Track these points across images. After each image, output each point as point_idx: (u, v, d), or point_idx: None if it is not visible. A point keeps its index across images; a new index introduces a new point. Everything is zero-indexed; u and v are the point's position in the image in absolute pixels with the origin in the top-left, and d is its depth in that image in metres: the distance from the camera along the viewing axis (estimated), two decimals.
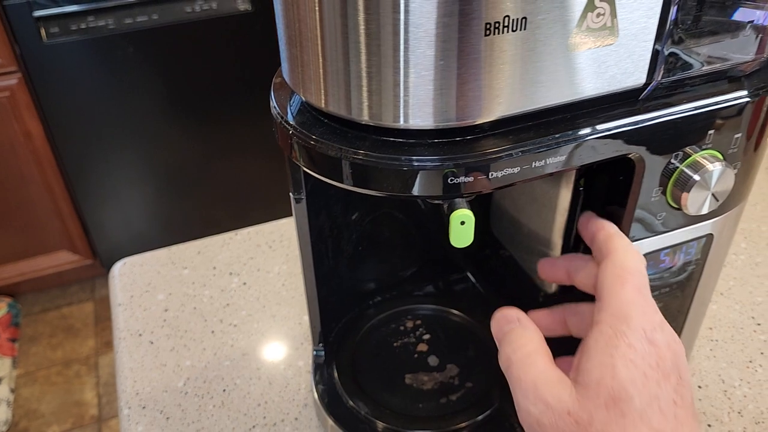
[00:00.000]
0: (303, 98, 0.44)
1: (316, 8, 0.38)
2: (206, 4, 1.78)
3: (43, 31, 1.69)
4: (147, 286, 0.80)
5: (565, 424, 0.36)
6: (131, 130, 1.90)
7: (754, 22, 0.45)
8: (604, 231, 0.46)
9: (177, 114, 1.92)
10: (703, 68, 0.45)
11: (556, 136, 0.42)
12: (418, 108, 0.39)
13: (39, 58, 1.71)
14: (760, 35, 0.46)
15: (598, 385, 0.37)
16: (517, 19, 0.36)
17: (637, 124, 0.43)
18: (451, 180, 0.41)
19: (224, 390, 0.68)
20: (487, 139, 0.41)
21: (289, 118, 0.45)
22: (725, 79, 0.47)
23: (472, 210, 0.43)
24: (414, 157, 0.40)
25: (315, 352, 0.66)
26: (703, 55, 0.45)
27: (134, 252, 0.86)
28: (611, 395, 0.36)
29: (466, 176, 0.41)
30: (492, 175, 0.41)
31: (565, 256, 0.50)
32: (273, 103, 0.47)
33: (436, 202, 0.43)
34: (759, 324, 0.73)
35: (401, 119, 0.39)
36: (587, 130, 0.42)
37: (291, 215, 0.56)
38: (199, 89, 1.91)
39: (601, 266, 0.43)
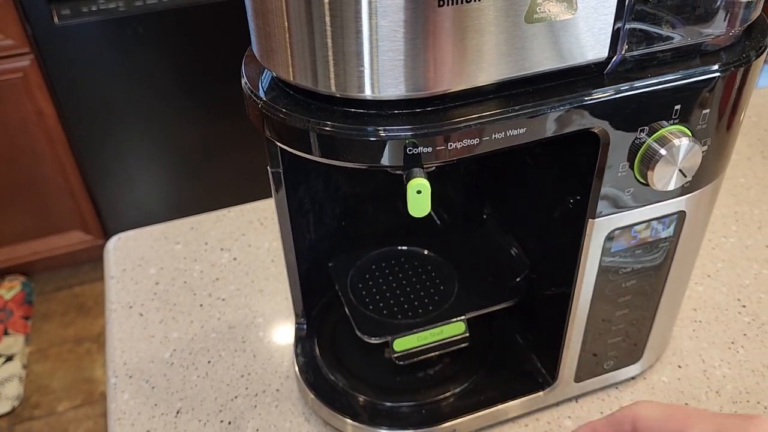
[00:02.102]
0: (270, 71, 0.45)
1: None
2: None
3: (54, 13, 1.71)
4: (140, 260, 0.81)
5: None
6: (142, 111, 1.92)
7: None
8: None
9: (187, 95, 1.93)
10: (672, 42, 0.45)
11: (516, 108, 0.42)
12: (379, 79, 0.39)
13: (51, 39, 1.73)
14: (730, 9, 0.46)
15: None
16: None
17: (599, 98, 0.43)
18: (410, 150, 0.41)
19: (209, 361, 0.69)
20: (448, 110, 0.42)
21: (260, 92, 0.45)
22: (697, 53, 0.47)
23: (435, 179, 0.43)
24: (373, 128, 0.41)
25: (297, 326, 0.67)
26: (669, 28, 0.45)
27: None
28: None
29: (425, 147, 0.41)
30: (451, 145, 0.42)
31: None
32: (244, 78, 0.47)
33: (398, 172, 0.44)
34: (744, 306, 0.73)
35: (364, 90, 0.40)
36: (548, 103, 0.43)
37: None
38: (210, 70, 1.92)
39: None
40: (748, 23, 0.47)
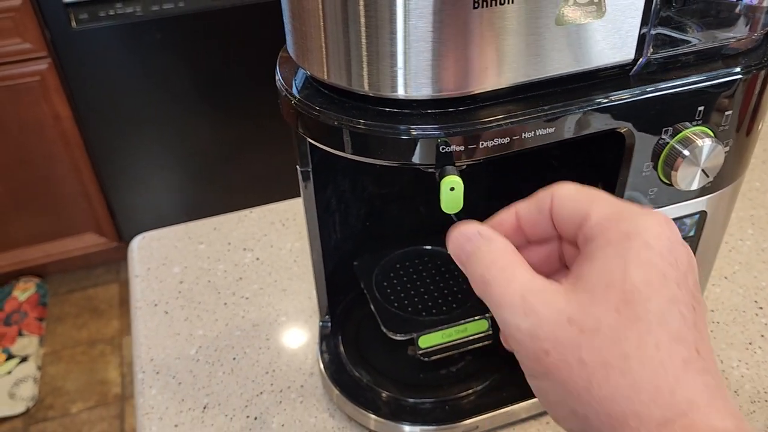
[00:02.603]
0: (305, 70, 0.46)
1: None
2: None
3: (72, 18, 1.73)
4: (164, 259, 0.83)
5: (565, 333, 0.31)
6: (158, 115, 1.94)
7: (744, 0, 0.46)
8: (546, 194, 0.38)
9: (202, 99, 1.96)
10: (695, 45, 0.46)
11: (545, 108, 0.43)
12: (412, 79, 0.41)
13: (68, 43, 1.76)
14: (752, 13, 0.47)
15: (607, 289, 0.31)
16: None
17: (626, 99, 0.45)
18: (443, 149, 0.42)
19: (234, 358, 0.70)
20: (479, 110, 0.43)
21: (294, 90, 0.47)
22: (719, 56, 0.48)
23: (463, 178, 0.44)
24: (406, 127, 0.42)
25: (321, 323, 0.68)
26: (694, 32, 0.46)
27: None
28: (623, 298, 0.31)
29: (457, 145, 0.43)
30: (482, 144, 0.43)
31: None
32: (278, 76, 0.49)
33: (430, 170, 0.45)
34: (761, 308, 0.74)
35: (397, 89, 0.41)
36: (577, 104, 0.44)
37: None
38: (225, 75, 1.94)
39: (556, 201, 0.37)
40: None
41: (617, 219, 0.33)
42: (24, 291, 2.21)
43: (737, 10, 0.46)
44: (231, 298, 0.77)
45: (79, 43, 1.77)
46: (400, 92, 0.41)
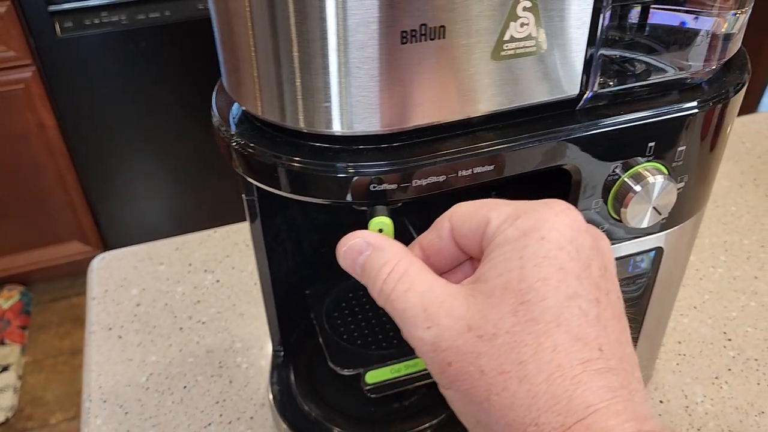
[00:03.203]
0: (239, 105, 0.44)
1: (247, 14, 0.38)
2: None
3: (57, 26, 1.72)
4: (122, 281, 0.81)
5: (465, 341, 0.30)
6: (143, 124, 1.93)
7: (697, 27, 0.44)
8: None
9: (188, 108, 1.94)
10: (646, 78, 0.45)
11: (483, 145, 0.41)
12: (344, 115, 0.39)
13: (53, 51, 1.74)
14: (708, 42, 0.45)
15: (504, 291, 0.30)
16: (435, 27, 0.36)
17: (569, 135, 0.43)
18: (374, 187, 0.41)
19: (185, 387, 0.68)
20: (414, 146, 0.41)
21: (229, 123, 0.45)
22: (673, 89, 0.46)
23: (397, 214, 0.42)
24: (339, 164, 0.40)
25: (274, 353, 0.66)
26: (644, 64, 0.44)
27: None
28: (520, 300, 0.29)
29: (390, 183, 0.41)
30: (416, 182, 0.41)
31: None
32: (214, 109, 0.47)
33: (362, 209, 0.43)
34: (730, 339, 0.72)
35: (331, 125, 0.39)
36: (517, 140, 0.42)
37: None
38: (210, 84, 1.92)
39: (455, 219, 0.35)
40: (728, 58, 0.47)
41: (515, 217, 0.32)
42: (8, 299, 2.19)
43: (693, 38, 0.45)
44: (187, 323, 0.75)
45: (64, 51, 1.75)
46: (333, 128, 0.39)
